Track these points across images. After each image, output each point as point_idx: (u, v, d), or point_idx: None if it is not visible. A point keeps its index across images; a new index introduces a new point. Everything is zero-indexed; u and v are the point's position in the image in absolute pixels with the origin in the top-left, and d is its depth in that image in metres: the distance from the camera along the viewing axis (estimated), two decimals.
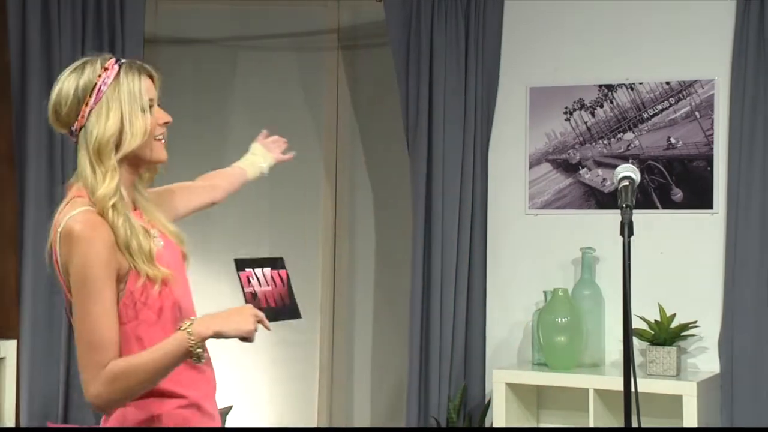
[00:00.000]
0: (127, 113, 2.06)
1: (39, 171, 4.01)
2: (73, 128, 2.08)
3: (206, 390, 2.15)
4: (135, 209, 2.14)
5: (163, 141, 2.13)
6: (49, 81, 3.99)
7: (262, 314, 2.04)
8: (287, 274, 2.19)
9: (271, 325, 2.08)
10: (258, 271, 2.17)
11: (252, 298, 2.13)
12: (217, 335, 2.00)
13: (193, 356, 1.99)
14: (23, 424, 3.89)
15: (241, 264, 2.16)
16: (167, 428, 2.05)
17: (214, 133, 4.77)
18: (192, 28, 4.76)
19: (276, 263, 2.21)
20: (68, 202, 2.06)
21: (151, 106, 2.10)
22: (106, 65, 2.08)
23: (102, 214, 2.02)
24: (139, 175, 2.16)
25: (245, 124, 4.80)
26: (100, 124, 2.04)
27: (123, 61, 2.11)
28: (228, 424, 4.31)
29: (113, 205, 2.03)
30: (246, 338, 2.02)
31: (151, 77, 2.13)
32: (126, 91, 2.06)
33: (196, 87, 4.73)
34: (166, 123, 2.13)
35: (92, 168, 2.04)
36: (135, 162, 2.11)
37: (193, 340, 1.97)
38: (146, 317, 2.04)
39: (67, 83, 2.08)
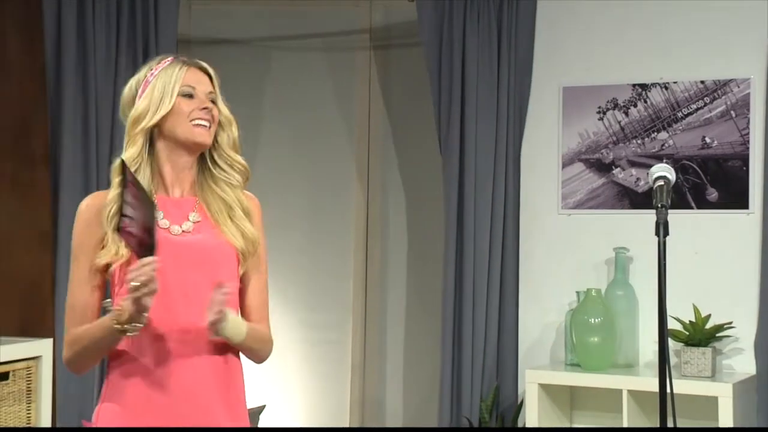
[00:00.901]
0: (158, 91, 2.19)
1: (74, 172, 4.04)
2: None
3: (154, 389, 2.11)
4: (194, 198, 2.21)
5: (202, 126, 2.21)
6: (84, 82, 4.03)
7: (148, 261, 2.00)
8: (133, 178, 2.05)
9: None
10: (127, 210, 2.04)
11: (138, 247, 2.05)
12: (133, 310, 2.01)
13: (117, 328, 2.03)
14: (59, 423, 3.93)
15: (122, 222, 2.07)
16: (173, 428, 2.06)
17: (247, 133, 4.78)
18: (225, 29, 4.79)
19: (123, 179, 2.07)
20: None
21: (190, 94, 2.21)
22: (161, 62, 2.24)
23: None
24: (225, 175, 2.24)
25: (278, 124, 4.82)
26: (136, 104, 2.21)
27: (179, 57, 2.27)
28: (261, 424, 4.33)
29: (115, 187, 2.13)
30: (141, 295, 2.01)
31: (204, 71, 2.28)
32: (162, 76, 2.21)
33: (228, 87, 4.74)
34: (204, 108, 2.23)
35: (124, 142, 2.20)
36: (174, 142, 2.20)
37: (118, 312, 2.03)
38: (124, 291, 2.08)
39: (129, 82, 2.27)
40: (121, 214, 2.04)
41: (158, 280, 2.02)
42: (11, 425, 3.61)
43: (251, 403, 4.41)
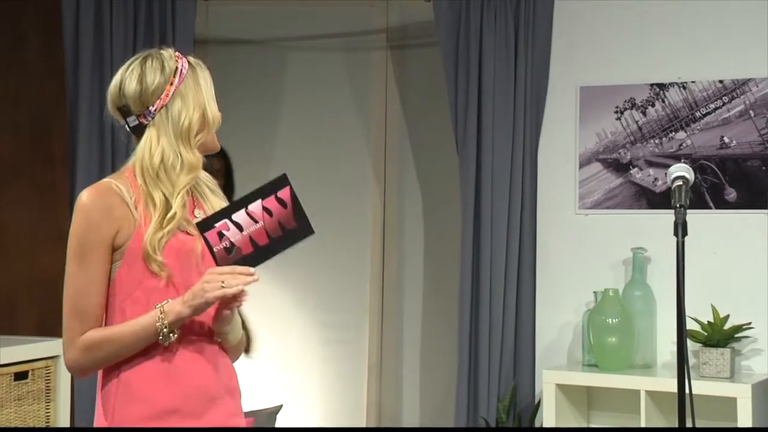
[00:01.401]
0: (208, 99, 2.16)
1: (90, 172, 4.06)
2: (153, 108, 2.13)
3: (183, 391, 2.08)
4: (191, 195, 2.19)
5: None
6: (102, 85, 4.04)
7: (227, 269, 2.01)
8: (291, 190, 2.02)
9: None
10: (238, 215, 2.01)
11: (226, 254, 2.01)
12: (189, 314, 2.02)
13: (160, 335, 2.02)
14: (77, 421, 3.95)
15: (208, 222, 2.03)
16: (174, 428, 2.06)
17: (264, 133, 4.81)
18: (242, 29, 4.80)
19: (271, 188, 2.03)
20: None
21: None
22: (176, 54, 2.18)
23: (141, 194, 2.08)
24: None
25: (294, 124, 4.83)
26: (188, 107, 2.13)
27: (196, 60, 2.22)
28: (278, 424, 4.33)
29: (184, 188, 2.10)
30: (229, 303, 2.02)
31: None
32: (203, 80, 2.17)
33: (245, 87, 4.77)
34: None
35: (175, 148, 2.11)
36: (198, 149, 2.18)
37: (162, 318, 2.01)
38: (137, 295, 2.07)
39: (149, 67, 2.13)
40: (228, 218, 2.01)
41: (174, 279, 2.04)
42: (30, 424, 3.63)
43: (269, 403, 4.43)
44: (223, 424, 2.11)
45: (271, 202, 2.03)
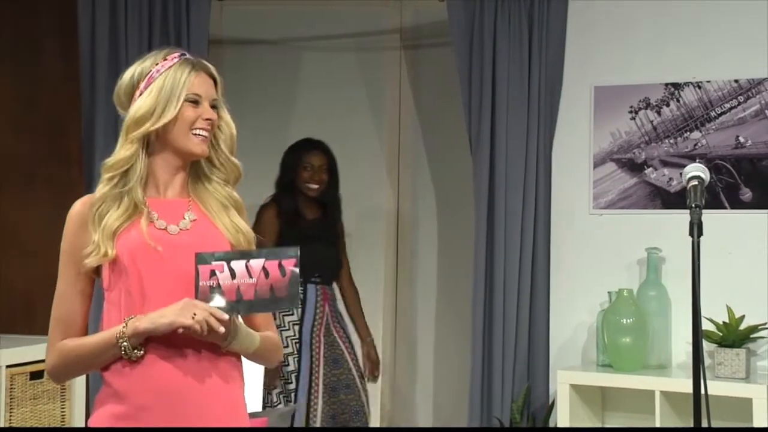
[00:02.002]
0: (164, 95, 2.13)
1: None
2: (126, 113, 2.19)
3: (155, 390, 2.07)
4: (188, 198, 2.18)
5: (202, 136, 2.16)
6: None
7: (205, 307, 2.02)
8: (295, 264, 2.08)
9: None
10: (237, 264, 2.06)
11: (208, 291, 2.04)
12: (148, 331, 2.03)
13: (121, 349, 2.04)
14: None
15: (205, 258, 2.06)
16: (175, 428, 2.05)
17: (278, 133, 4.81)
18: (256, 29, 4.81)
19: (284, 253, 2.09)
20: None
21: (196, 101, 2.15)
22: (168, 57, 2.16)
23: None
24: (217, 174, 2.21)
25: (308, 124, 4.84)
26: (139, 102, 2.14)
27: (187, 56, 2.18)
28: (295, 424, 4.33)
29: (110, 177, 2.12)
30: (187, 329, 2.02)
31: (211, 77, 2.19)
32: (171, 79, 2.14)
33: (259, 87, 4.78)
34: (208, 119, 2.16)
35: (119, 142, 2.15)
36: (170, 149, 2.16)
37: (124, 334, 2.03)
38: (112, 299, 2.10)
39: (130, 70, 2.19)
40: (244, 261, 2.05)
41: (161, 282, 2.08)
42: (45, 423, 3.65)
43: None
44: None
45: (272, 265, 2.09)
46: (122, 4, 4.11)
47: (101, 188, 2.13)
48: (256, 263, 2.08)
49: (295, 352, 4.09)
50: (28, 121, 4.20)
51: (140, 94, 2.13)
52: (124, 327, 2.04)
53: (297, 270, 2.10)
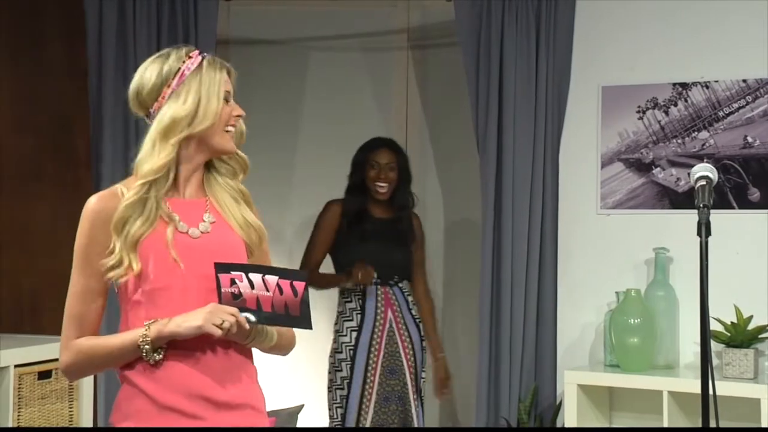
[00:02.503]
0: (204, 97, 2.12)
1: (114, 173, 4.07)
2: (152, 110, 2.14)
3: (184, 393, 2.08)
4: (204, 197, 2.18)
5: (232, 133, 2.18)
6: (125, 83, 4.04)
7: (231, 309, 2.03)
8: (305, 287, 2.14)
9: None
10: (255, 276, 2.08)
11: (232, 298, 2.06)
12: (173, 335, 2.04)
13: (142, 352, 2.04)
14: (100, 421, 3.97)
15: (225, 267, 2.09)
16: (179, 429, 2.06)
17: (285, 134, 4.82)
18: (263, 30, 4.81)
19: (295, 275, 2.14)
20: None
21: (227, 99, 2.17)
22: (191, 54, 2.16)
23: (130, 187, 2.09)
24: (226, 168, 2.21)
25: (315, 124, 4.84)
26: (177, 105, 2.11)
27: (206, 54, 2.19)
28: (299, 424, 4.34)
29: (144, 183, 2.09)
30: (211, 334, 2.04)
31: (228, 73, 2.20)
32: (206, 78, 2.13)
33: (267, 87, 4.78)
34: (238, 116, 2.19)
35: (153, 144, 2.11)
36: (204, 148, 2.16)
37: (146, 337, 2.03)
38: (136, 301, 2.09)
39: (152, 67, 2.15)
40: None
41: (182, 284, 2.07)
42: (54, 423, 3.65)
43: (290, 403, 4.42)
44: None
45: (286, 284, 2.12)
46: (130, 3, 4.11)
47: (131, 196, 2.08)
48: (272, 279, 2.10)
49: (349, 359, 3.99)
50: (34, 120, 4.21)
51: (172, 92, 2.11)
52: (146, 330, 2.03)
53: (308, 293, 2.14)
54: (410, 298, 4.12)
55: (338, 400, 4.00)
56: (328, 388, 4.05)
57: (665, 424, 3.62)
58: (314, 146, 4.83)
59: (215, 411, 2.09)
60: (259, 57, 4.79)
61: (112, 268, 2.07)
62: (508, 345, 4.08)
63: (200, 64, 2.14)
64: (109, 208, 2.09)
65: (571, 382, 3.83)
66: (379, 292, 4.04)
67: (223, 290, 2.06)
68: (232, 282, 2.07)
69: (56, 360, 3.66)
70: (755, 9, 3.89)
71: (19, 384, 3.53)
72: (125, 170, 4.07)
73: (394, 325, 4.03)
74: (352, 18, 4.79)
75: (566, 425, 3.84)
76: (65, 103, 4.31)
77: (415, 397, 4.03)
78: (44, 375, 3.62)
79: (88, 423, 3.79)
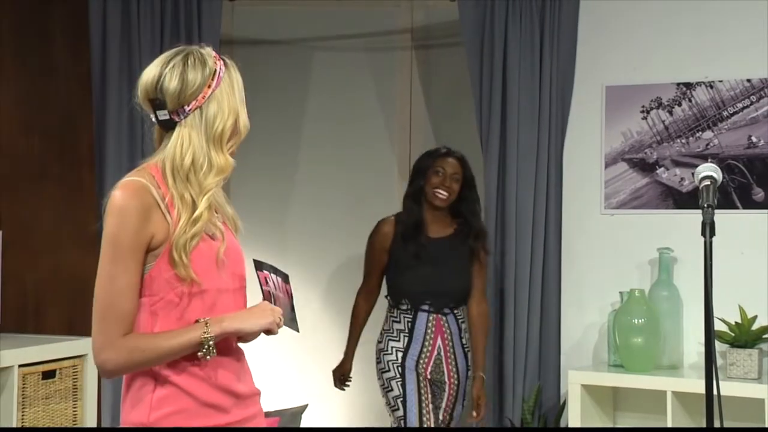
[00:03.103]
0: (241, 104, 2.15)
1: (119, 172, 4.07)
2: (188, 107, 2.10)
3: (218, 388, 2.11)
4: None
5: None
6: (129, 84, 4.06)
7: (280, 310, 2.13)
8: (291, 290, 2.21)
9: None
10: (273, 276, 2.16)
11: (269, 297, 2.14)
12: (237, 332, 2.08)
13: (203, 348, 2.04)
14: (103, 420, 3.97)
15: (259, 265, 2.16)
16: (182, 428, 2.06)
17: (288, 134, 4.81)
18: (267, 30, 4.81)
19: (285, 277, 2.21)
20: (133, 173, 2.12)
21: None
22: (215, 57, 2.15)
23: (169, 194, 2.06)
24: None
25: (319, 124, 4.84)
26: (223, 111, 2.11)
27: (227, 60, 2.19)
28: (303, 424, 4.33)
29: (211, 190, 2.09)
30: (269, 331, 2.11)
31: None
32: (237, 84, 2.16)
33: (270, 88, 4.78)
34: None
35: (207, 151, 2.09)
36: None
37: (207, 333, 2.03)
38: (170, 298, 2.06)
39: (191, 69, 2.10)
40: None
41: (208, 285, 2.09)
42: (58, 422, 3.66)
43: (294, 403, 4.42)
44: (246, 421, 2.14)
45: (284, 286, 2.20)
46: (134, 4, 4.12)
47: (206, 215, 2.06)
48: (279, 280, 2.20)
49: (398, 376, 3.77)
50: (38, 121, 4.21)
51: (212, 92, 2.09)
52: (206, 327, 2.03)
53: (292, 295, 2.22)
54: (464, 326, 3.84)
55: (396, 420, 3.77)
56: (389, 409, 3.82)
57: (669, 425, 3.62)
58: (317, 147, 4.83)
59: (237, 403, 2.13)
60: (262, 57, 4.79)
61: (167, 282, 2.05)
62: (512, 345, 4.08)
63: (226, 66, 2.15)
64: (145, 203, 2.05)
65: (575, 382, 3.83)
66: (430, 318, 3.77)
67: (264, 288, 2.13)
68: (266, 281, 2.15)
69: (60, 360, 3.69)
70: (759, 9, 3.89)
71: (23, 384, 3.53)
72: (129, 170, 4.08)
73: (442, 353, 3.77)
74: (356, 18, 4.79)
75: (570, 425, 3.84)
76: (71, 105, 4.32)
77: (448, 417, 3.81)
78: (48, 375, 3.63)
79: (92, 423, 3.79)
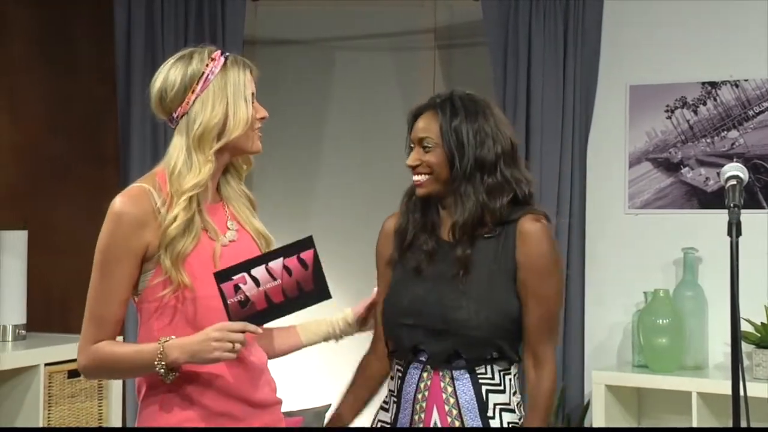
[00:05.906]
0: (232, 103, 2.10)
1: (142, 172, 4.07)
2: (175, 114, 2.12)
3: (230, 397, 2.10)
4: (220, 200, 2.18)
5: (258, 133, 2.17)
6: None
7: (238, 326, 2.01)
8: (314, 253, 2.06)
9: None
10: (258, 270, 2.03)
11: (239, 307, 2.02)
12: (187, 362, 2.03)
13: (159, 372, 2.01)
14: (128, 419, 3.99)
15: (225, 274, 2.03)
16: (188, 428, 2.06)
17: (311, 133, 4.82)
18: (290, 29, 4.82)
19: (295, 248, 2.06)
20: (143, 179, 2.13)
21: (251, 100, 2.15)
22: (213, 56, 2.13)
23: (171, 198, 2.06)
24: (234, 167, 2.21)
25: (342, 124, 4.84)
26: (206, 112, 2.08)
27: (227, 54, 2.16)
28: (326, 424, 4.34)
29: (190, 198, 2.06)
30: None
31: (251, 72, 2.18)
32: (232, 82, 2.11)
33: (293, 87, 4.79)
34: (263, 118, 2.17)
35: (188, 154, 2.08)
36: (232, 152, 2.16)
37: (161, 359, 2.00)
38: (165, 302, 2.07)
39: (174, 70, 2.12)
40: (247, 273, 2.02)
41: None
42: (83, 422, 3.68)
43: (317, 402, 4.42)
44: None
45: (292, 261, 2.05)
46: (158, 4, 4.14)
47: (181, 216, 2.04)
48: (276, 264, 2.05)
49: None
50: (63, 120, 4.24)
51: (196, 97, 2.08)
52: (161, 353, 2.01)
53: (318, 258, 2.07)
54: (494, 397, 2.31)
55: None
56: None
57: (694, 425, 3.60)
58: (340, 147, 4.83)
59: (253, 412, 2.12)
60: (285, 57, 4.80)
61: (163, 286, 2.05)
62: None
63: (224, 66, 2.11)
64: (141, 211, 2.05)
65: (599, 383, 3.81)
66: (424, 376, 2.35)
67: (229, 302, 2.02)
68: (236, 288, 2.02)
69: None
70: None
71: (49, 382, 3.55)
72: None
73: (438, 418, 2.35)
74: (379, 18, 4.79)
75: (594, 426, 3.82)
76: (95, 104, 4.34)
77: None
78: (74, 374, 3.65)
79: (117, 422, 3.81)
